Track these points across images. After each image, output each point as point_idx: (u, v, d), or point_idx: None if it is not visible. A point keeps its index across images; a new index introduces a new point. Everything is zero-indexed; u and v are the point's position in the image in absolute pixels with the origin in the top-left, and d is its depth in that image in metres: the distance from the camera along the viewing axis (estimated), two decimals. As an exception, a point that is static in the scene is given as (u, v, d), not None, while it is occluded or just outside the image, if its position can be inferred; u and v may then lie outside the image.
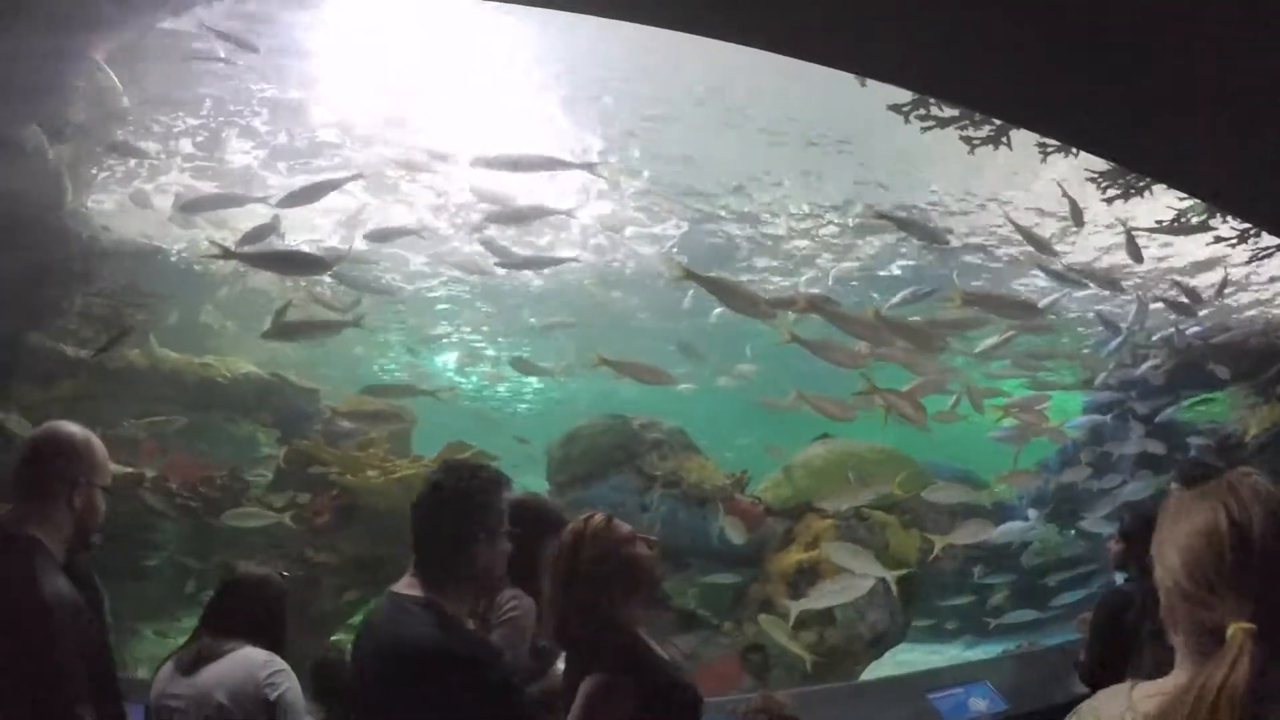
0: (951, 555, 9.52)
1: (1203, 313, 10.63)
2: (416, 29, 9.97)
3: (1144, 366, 11.23)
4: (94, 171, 10.54)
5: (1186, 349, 10.80)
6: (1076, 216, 8.63)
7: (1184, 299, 9.79)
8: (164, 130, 10.81)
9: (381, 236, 10.37)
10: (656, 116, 11.37)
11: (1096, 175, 7.83)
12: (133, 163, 10.81)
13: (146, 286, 10.71)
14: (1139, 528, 4.95)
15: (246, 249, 9.33)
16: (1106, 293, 11.09)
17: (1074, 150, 6.58)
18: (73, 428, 3.01)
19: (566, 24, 8.61)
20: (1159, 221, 8.87)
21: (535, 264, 11.09)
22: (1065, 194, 8.35)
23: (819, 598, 7.81)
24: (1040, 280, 12.03)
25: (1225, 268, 10.37)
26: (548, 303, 14.90)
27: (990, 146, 7.62)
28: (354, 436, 10.56)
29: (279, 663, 3.38)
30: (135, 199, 11.03)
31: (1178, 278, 10.92)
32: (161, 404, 10.76)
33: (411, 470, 9.51)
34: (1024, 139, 7.03)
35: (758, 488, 9.75)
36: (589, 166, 10.10)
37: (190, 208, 10.28)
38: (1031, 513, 11.45)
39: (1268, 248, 9.22)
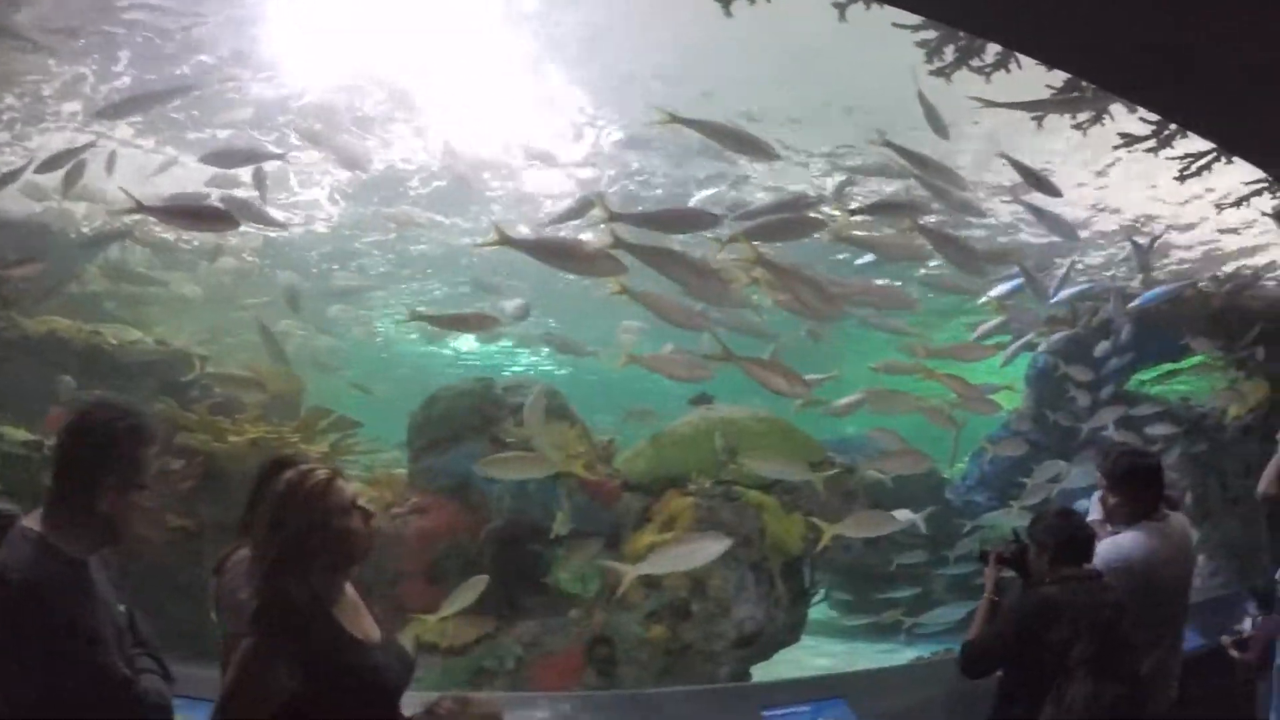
0: (843, 544, 7.88)
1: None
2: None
3: (1057, 333, 9.23)
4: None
5: (1137, 308, 8.72)
6: (935, 124, 6.73)
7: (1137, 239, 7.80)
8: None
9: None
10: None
11: (927, 46, 5.83)
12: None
13: (14, 256, 9.68)
14: (1054, 532, 4.07)
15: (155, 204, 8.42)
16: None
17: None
18: None
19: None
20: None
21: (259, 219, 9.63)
22: (924, 102, 6.44)
23: (659, 562, 6.42)
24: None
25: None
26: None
27: (747, 1, 5.80)
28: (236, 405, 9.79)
29: None
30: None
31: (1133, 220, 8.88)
32: (56, 371, 10.13)
33: (260, 432, 8.63)
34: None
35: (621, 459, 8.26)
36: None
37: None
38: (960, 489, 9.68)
39: (1200, 154, 7.11)
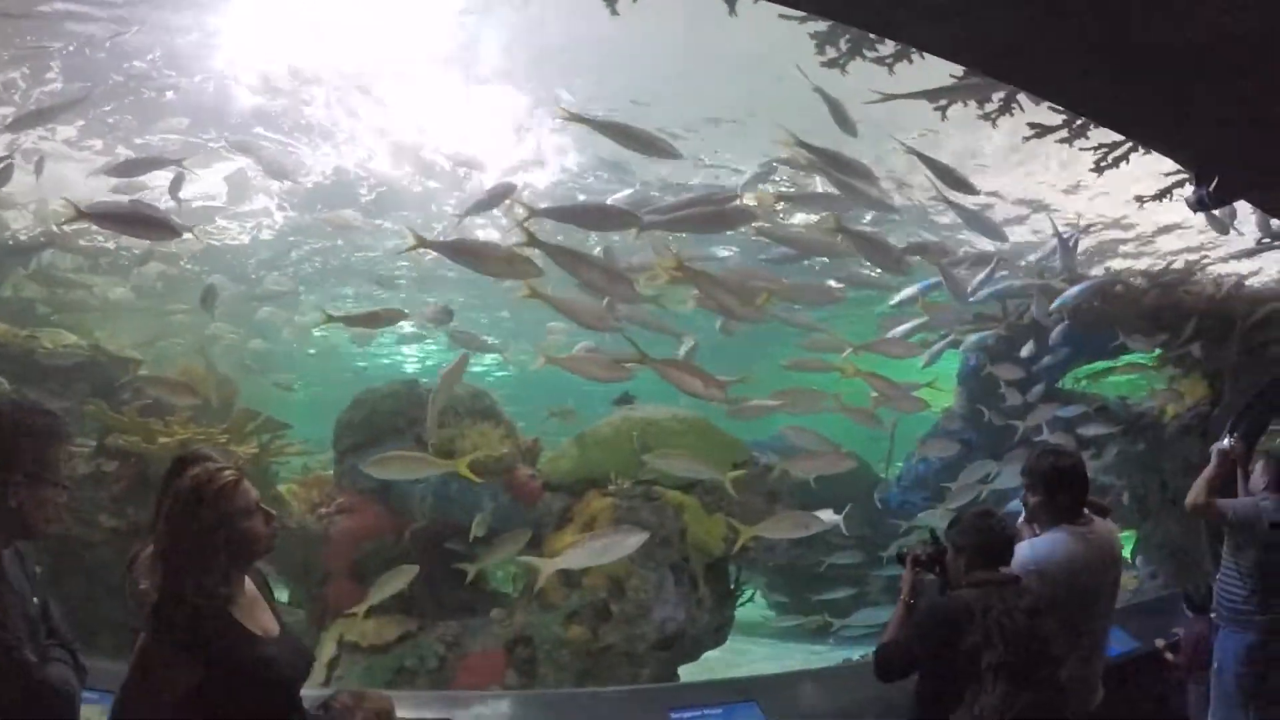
0: (766, 545, 7.75)
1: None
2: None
3: (982, 331, 9.08)
4: None
5: (1065, 306, 8.58)
6: (841, 121, 6.59)
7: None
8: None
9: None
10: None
11: (818, 37, 5.61)
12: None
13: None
14: (969, 534, 3.92)
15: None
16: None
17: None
18: None
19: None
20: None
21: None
22: (826, 98, 6.31)
23: (576, 557, 6.37)
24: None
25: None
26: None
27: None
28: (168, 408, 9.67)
29: None
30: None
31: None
32: (-8, 376, 10.02)
33: (189, 434, 8.45)
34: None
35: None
36: None
37: None
38: (894, 494, 9.56)
39: (1115, 144, 6.67)
